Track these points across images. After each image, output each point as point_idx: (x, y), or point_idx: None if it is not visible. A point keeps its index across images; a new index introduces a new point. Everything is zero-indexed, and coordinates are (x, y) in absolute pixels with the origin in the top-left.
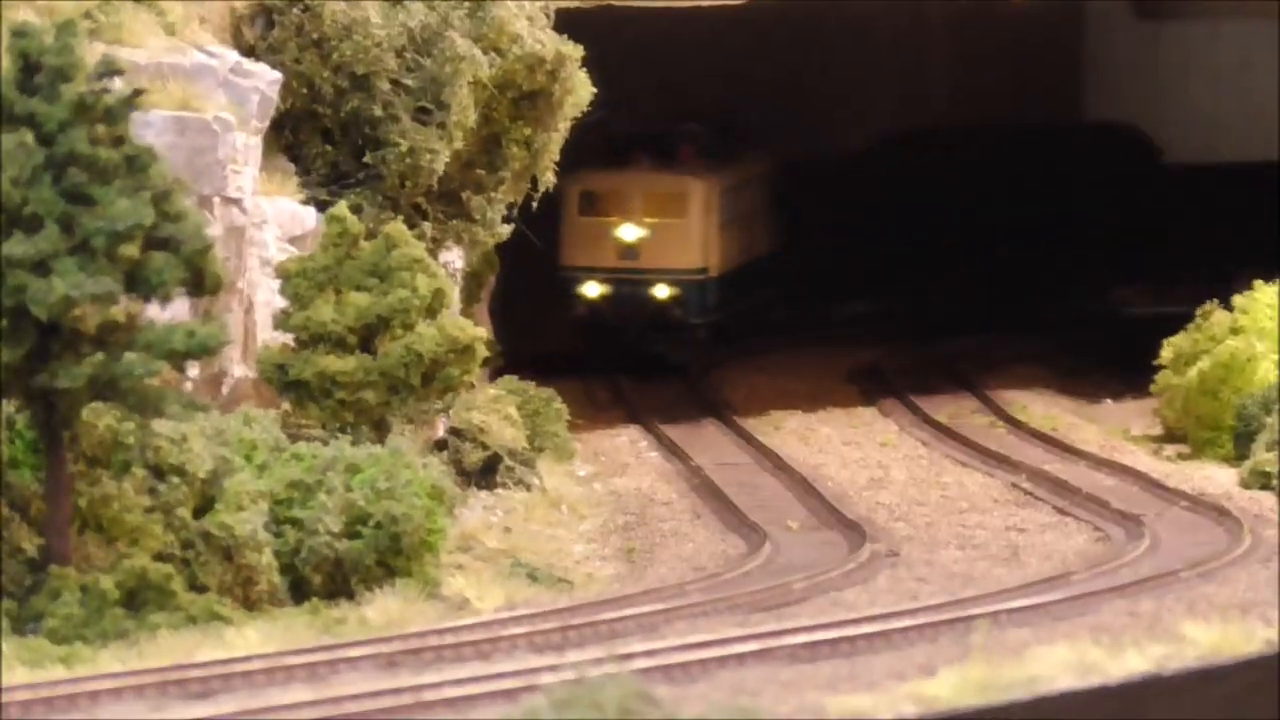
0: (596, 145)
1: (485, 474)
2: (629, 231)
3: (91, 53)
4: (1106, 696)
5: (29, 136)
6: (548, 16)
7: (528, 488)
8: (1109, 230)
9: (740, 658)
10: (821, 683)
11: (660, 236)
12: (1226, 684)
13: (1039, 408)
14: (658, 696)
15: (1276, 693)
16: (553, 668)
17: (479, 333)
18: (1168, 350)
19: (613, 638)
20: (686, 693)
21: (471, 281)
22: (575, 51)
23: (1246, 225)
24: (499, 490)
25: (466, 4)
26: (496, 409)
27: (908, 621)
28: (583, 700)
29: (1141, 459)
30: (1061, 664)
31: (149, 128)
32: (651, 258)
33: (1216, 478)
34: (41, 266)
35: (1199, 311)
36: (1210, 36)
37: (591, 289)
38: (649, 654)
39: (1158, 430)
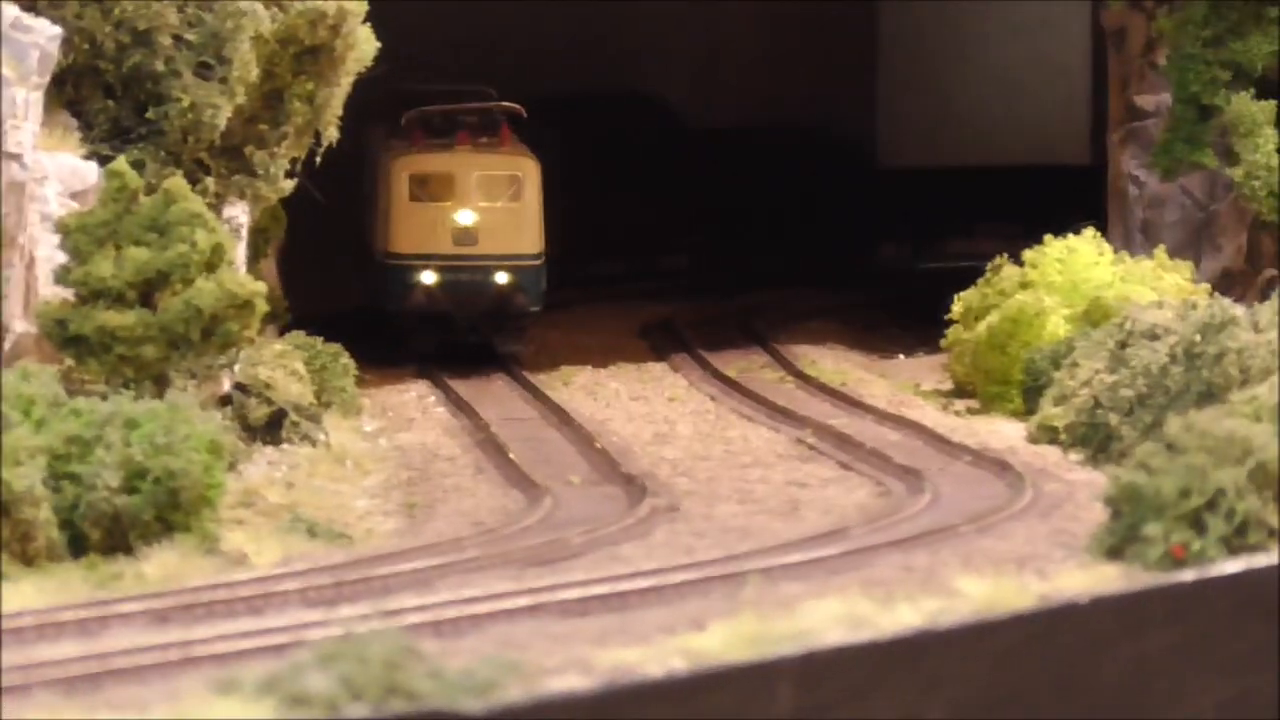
0: (415, 125)
1: (270, 429)
2: (465, 216)
3: None
4: (877, 650)
5: None
6: None
7: (313, 443)
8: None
9: (511, 612)
10: (591, 637)
11: (497, 220)
12: (999, 638)
13: (830, 363)
14: (425, 650)
15: (1049, 647)
16: (322, 623)
17: (258, 287)
18: (958, 305)
19: (386, 592)
20: (455, 646)
21: (257, 237)
22: (358, 7)
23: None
24: (284, 446)
25: None
26: (283, 364)
27: (681, 576)
28: (348, 655)
29: (929, 414)
30: (833, 618)
31: None
32: (490, 243)
33: (1003, 432)
34: None
35: (989, 266)
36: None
37: (428, 277)
38: (419, 609)
39: (948, 385)
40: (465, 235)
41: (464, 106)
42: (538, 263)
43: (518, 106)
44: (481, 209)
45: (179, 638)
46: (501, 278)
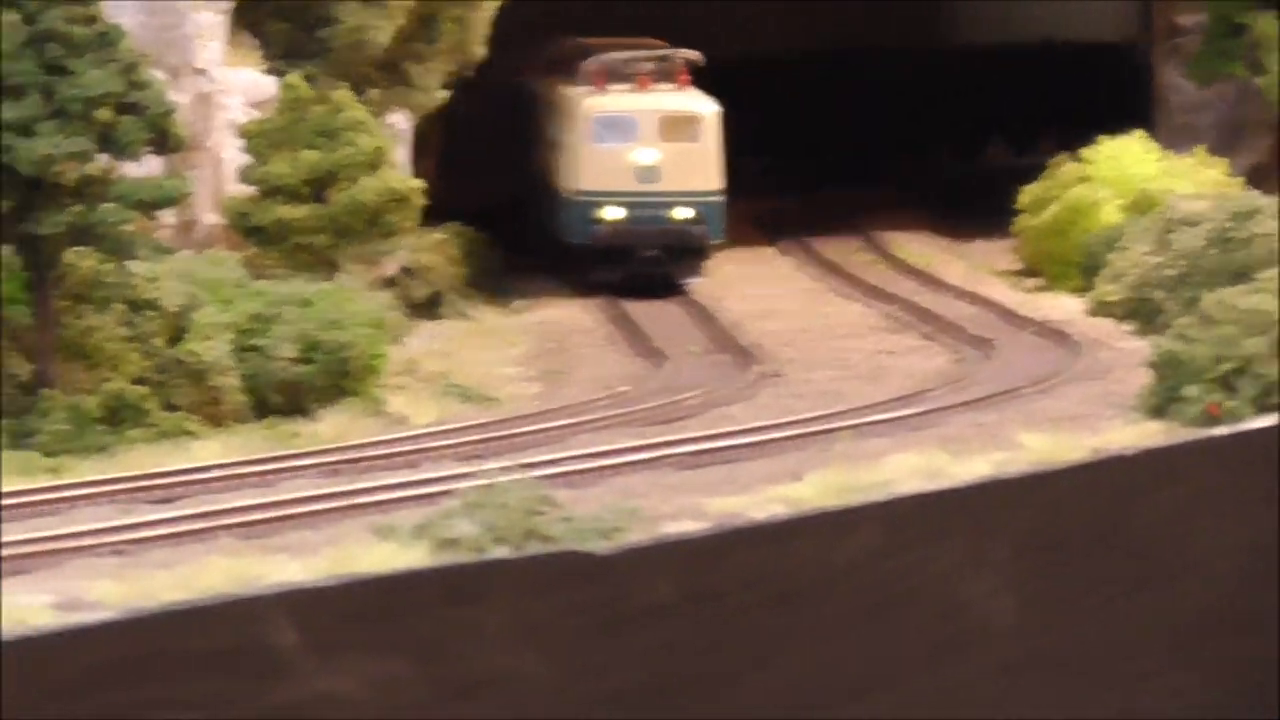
0: (599, 72)
1: (429, 307)
2: (648, 155)
3: None
4: (949, 497)
5: (14, 16)
6: None
7: (466, 319)
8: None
9: (633, 465)
10: (702, 487)
11: (678, 159)
12: (1054, 487)
13: (916, 247)
14: (558, 499)
15: (1098, 495)
16: (469, 475)
17: (416, 184)
18: (1025, 196)
19: (525, 449)
20: (584, 495)
21: (418, 140)
22: None
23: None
24: (441, 321)
25: None
26: (441, 250)
27: (781, 433)
28: (491, 503)
29: (1000, 290)
30: (912, 469)
31: (123, 8)
32: (671, 180)
33: (1065, 307)
34: (25, 129)
35: (1051, 162)
36: None
37: (612, 212)
38: (553, 462)
39: (1018, 266)
40: (648, 173)
41: (646, 54)
42: (718, 199)
43: (697, 54)
44: (663, 148)
45: (345, 488)
46: (682, 212)
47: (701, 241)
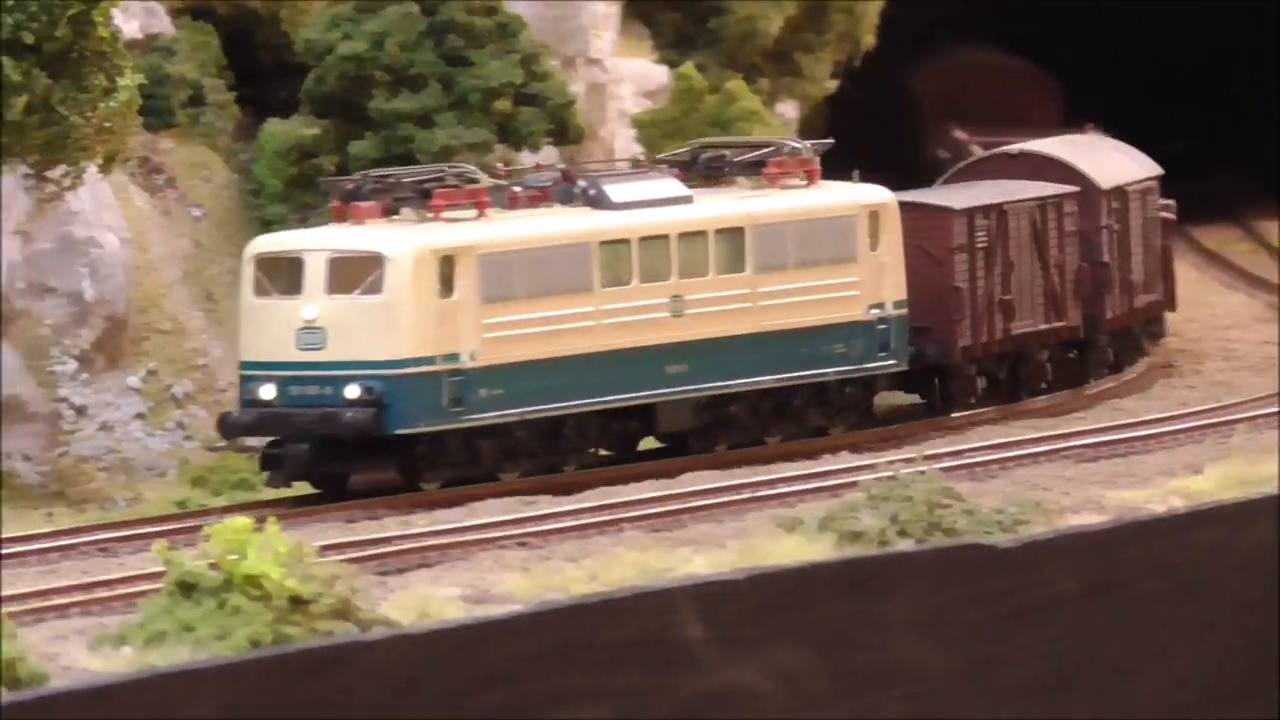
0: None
1: None
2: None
3: None
4: None
5: (414, 7)
6: None
7: None
8: None
9: (1034, 457)
10: (1102, 479)
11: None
12: None
13: None
14: (961, 491)
15: None
16: (871, 467)
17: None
18: None
19: (924, 441)
20: (986, 487)
21: (804, 129)
22: None
23: None
24: None
25: None
26: None
27: (1177, 425)
28: (896, 495)
29: None
30: None
31: None
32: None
33: None
34: (425, 119)
35: None
36: None
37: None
38: (954, 454)
39: None
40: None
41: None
42: (409, 370)
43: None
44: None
45: (748, 479)
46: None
47: (366, 430)
